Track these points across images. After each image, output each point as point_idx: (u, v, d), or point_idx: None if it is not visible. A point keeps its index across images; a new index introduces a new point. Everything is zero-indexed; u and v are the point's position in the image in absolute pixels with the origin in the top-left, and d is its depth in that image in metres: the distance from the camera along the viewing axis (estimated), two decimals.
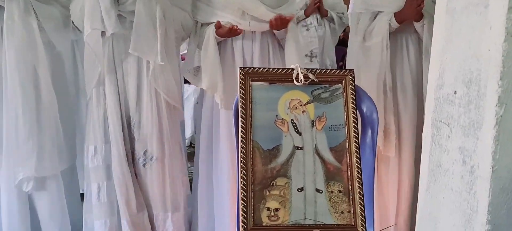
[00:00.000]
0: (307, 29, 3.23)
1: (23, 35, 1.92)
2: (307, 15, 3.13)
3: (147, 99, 2.01)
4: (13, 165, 1.97)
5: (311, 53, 3.21)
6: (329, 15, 3.29)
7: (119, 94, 2.01)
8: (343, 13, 3.41)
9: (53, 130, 2.02)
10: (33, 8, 1.94)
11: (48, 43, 2.02)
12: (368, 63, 2.03)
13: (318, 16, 3.28)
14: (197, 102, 3.70)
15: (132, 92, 2.01)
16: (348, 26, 3.16)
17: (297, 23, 2.99)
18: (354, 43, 2.14)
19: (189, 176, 2.36)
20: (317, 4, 3.09)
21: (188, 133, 4.11)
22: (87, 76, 2.02)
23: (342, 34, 5.83)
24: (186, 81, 4.10)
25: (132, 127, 2.04)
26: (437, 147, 1.07)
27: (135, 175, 2.08)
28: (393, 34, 2.04)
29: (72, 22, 2.06)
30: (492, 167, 0.86)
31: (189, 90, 4.26)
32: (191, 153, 3.31)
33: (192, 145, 4.07)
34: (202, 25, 2.07)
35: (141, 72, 2.00)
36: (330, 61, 3.38)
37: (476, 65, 0.90)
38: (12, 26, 1.91)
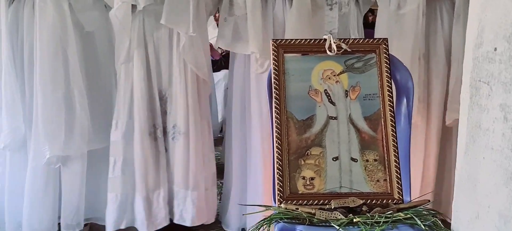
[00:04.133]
0: (331, 9, 3.17)
1: (55, 17, 1.96)
2: None
3: (177, 73, 2.03)
4: (42, 143, 2.02)
5: (330, 33, 3.15)
6: None
7: (149, 69, 2.04)
8: None
9: (81, 110, 2.06)
10: None
11: (78, 24, 2.05)
12: (402, 32, 2.00)
13: None
14: (227, 88, 3.72)
15: (164, 66, 2.04)
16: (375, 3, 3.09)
17: None
18: (384, 13, 2.11)
19: (218, 159, 2.36)
20: None
21: (219, 118, 4.16)
22: (116, 52, 2.04)
23: (371, 16, 5.68)
24: (216, 70, 4.13)
25: (164, 101, 2.07)
26: (476, 107, 1.06)
27: (165, 149, 2.10)
28: (427, 2, 2.00)
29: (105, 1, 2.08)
30: None
31: (219, 76, 4.30)
32: (222, 138, 3.33)
33: (223, 130, 4.12)
34: None
35: (172, 46, 2.02)
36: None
37: None
38: (44, 8, 1.95)
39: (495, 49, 0.97)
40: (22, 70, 2.03)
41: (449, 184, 2.14)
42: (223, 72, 4.28)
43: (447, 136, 2.12)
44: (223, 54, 4.23)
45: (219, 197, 2.44)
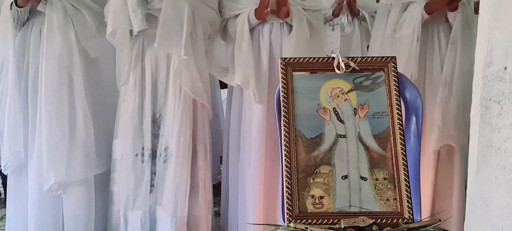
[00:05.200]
0: (333, 29, 3.21)
1: (62, 46, 2.00)
2: (334, 15, 3.11)
3: (171, 96, 2.02)
4: (45, 168, 2.03)
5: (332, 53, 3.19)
6: (361, 14, 3.25)
7: (144, 91, 2.04)
8: (375, 12, 3.36)
9: (85, 135, 2.08)
10: (71, 17, 2.01)
11: (83, 51, 2.09)
12: (396, 55, 1.99)
13: (349, 15, 3.25)
14: None
15: (161, 89, 2.04)
16: None
17: (325, 23, 2.99)
18: (378, 36, 2.11)
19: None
20: (341, 4, 3.06)
21: None
22: (117, 74, 2.08)
23: None
24: (223, 87, 4.19)
25: (158, 123, 2.06)
26: (487, 126, 1.05)
27: (152, 172, 2.06)
28: (423, 25, 1.99)
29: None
30: None
31: (225, 95, 4.32)
32: None
33: None
34: (227, 21, 2.11)
35: (169, 69, 2.02)
36: None
37: None
38: (52, 37, 1.99)
39: (505, 68, 0.97)
40: (26, 95, 2.06)
41: (453, 204, 2.11)
42: None
43: (451, 157, 2.09)
44: None
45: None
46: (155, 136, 2.06)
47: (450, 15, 1.99)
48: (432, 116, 2.03)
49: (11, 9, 1.97)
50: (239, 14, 2.06)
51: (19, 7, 1.98)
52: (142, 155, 2.06)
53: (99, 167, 2.16)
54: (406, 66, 1.97)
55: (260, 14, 2.00)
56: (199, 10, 2.00)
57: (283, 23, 2.07)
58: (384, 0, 2.17)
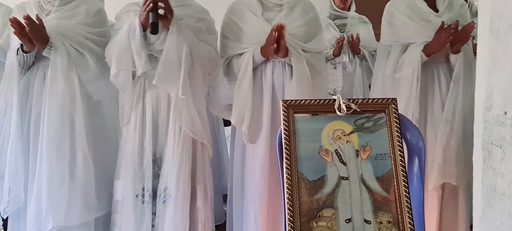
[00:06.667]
0: (334, 68, 3.26)
1: (64, 89, 2.01)
2: (335, 55, 3.16)
3: (171, 135, 2.01)
4: (44, 212, 2.00)
5: (334, 92, 3.23)
6: (361, 53, 3.30)
7: (144, 131, 2.03)
8: (375, 51, 3.41)
9: (85, 179, 2.06)
10: (74, 62, 2.03)
11: (86, 94, 2.10)
12: (396, 95, 2.00)
13: (350, 54, 3.30)
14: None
15: (161, 129, 2.03)
16: None
17: (327, 61, 3.03)
18: (379, 75, 2.13)
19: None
20: (340, 44, 3.12)
21: None
22: (120, 115, 2.10)
23: None
24: (226, 124, 4.21)
25: (158, 163, 2.04)
26: (490, 171, 1.04)
27: (153, 213, 2.03)
28: (423, 66, 2.01)
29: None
30: None
31: (229, 131, 4.33)
32: None
33: None
34: (231, 59, 2.13)
35: (170, 109, 2.02)
36: (363, 97, 3.35)
37: None
38: (55, 81, 2.01)
39: (505, 113, 0.97)
40: (28, 138, 2.07)
41: None
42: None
43: (455, 197, 2.07)
44: None
45: None
46: (156, 176, 2.03)
47: (452, 57, 2.02)
48: (437, 153, 2.02)
49: (17, 54, 2.01)
50: (242, 53, 2.09)
51: (25, 53, 2.01)
52: (143, 195, 2.03)
53: (98, 210, 2.13)
54: (407, 106, 1.98)
55: (266, 51, 2.01)
56: (198, 49, 2.02)
57: (285, 63, 2.09)
58: (384, 40, 2.20)
